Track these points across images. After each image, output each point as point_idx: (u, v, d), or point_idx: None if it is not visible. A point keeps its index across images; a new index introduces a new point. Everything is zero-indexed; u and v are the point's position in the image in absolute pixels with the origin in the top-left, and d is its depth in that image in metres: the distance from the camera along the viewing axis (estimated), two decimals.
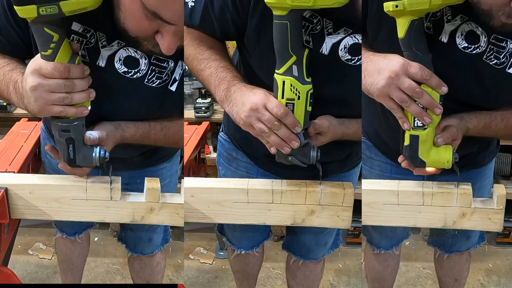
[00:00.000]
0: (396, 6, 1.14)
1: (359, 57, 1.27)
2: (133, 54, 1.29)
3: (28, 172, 1.73)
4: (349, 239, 2.94)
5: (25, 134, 1.94)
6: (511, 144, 2.58)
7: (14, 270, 1.45)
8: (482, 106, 1.32)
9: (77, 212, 1.31)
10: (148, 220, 1.32)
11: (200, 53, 1.33)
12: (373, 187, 1.34)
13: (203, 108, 3.05)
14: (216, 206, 1.34)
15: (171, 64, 1.32)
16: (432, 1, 1.12)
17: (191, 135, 2.32)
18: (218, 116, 3.04)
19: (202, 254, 2.93)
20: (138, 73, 1.30)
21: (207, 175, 2.67)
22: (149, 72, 1.31)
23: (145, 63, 1.30)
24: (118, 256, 2.82)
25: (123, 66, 1.29)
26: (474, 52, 1.25)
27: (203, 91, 3.19)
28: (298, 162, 1.27)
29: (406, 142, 1.26)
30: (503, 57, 1.24)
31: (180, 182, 1.40)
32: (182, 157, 2.05)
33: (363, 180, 1.38)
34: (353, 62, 1.28)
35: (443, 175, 1.32)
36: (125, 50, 1.28)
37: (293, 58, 1.19)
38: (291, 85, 1.20)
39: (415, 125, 1.23)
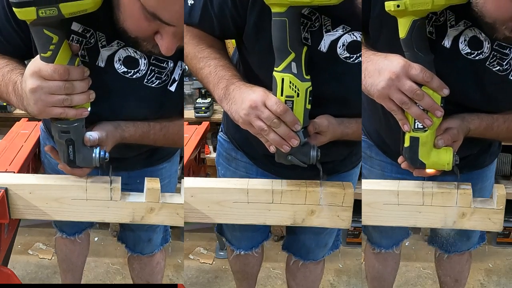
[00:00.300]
0: (398, 6, 1.12)
1: (358, 55, 1.27)
2: (132, 54, 1.29)
3: (28, 172, 1.73)
4: (349, 239, 2.94)
5: (25, 134, 1.93)
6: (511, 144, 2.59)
7: (14, 270, 1.45)
8: (482, 111, 1.31)
9: (77, 212, 1.31)
10: (148, 220, 1.32)
11: (199, 52, 1.33)
12: (373, 187, 1.33)
13: (203, 108, 3.05)
14: (216, 206, 1.34)
15: (171, 65, 1.32)
16: (435, 1, 1.11)
17: (191, 135, 2.32)
18: (218, 116, 3.04)
19: (202, 254, 2.93)
20: (138, 73, 1.30)
21: (207, 175, 2.67)
22: (149, 72, 1.31)
23: (144, 63, 1.30)
24: (118, 256, 2.82)
25: (122, 66, 1.29)
26: (477, 58, 1.24)
27: (203, 91, 3.19)
28: (298, 161, 1.27)
29: (406, 143, 1.25)
30: (506, 64, 1.23)
31: (180, 182, 1.40)
32: (182, 157, 2.05)
33: (363, 180, 1.38)
34: (351, 60, 1.27)
35: (443, 176, 1.31)
36: (124, 50, 1.28)
37: (292, 55, 1.19)
38: (290, 82, 1.20)
39: (416, 127, 1.22)
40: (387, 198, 1.32)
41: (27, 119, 2.16)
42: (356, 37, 1.26)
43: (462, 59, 1.25)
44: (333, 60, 1.28)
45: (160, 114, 1.39)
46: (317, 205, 1.32)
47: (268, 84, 1.24)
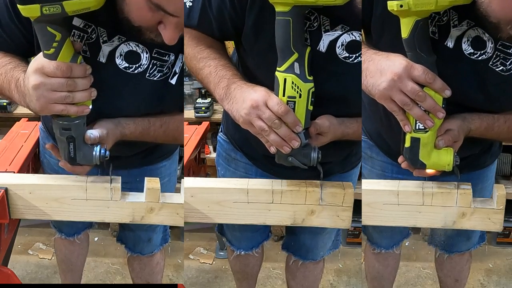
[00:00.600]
0: (401, 6, 1.11)
1: (357, 54, 1.27)
2: (134, 48, 1.29)
3: (28, 172, 1.73)
4: (349, 239, 2.94)
5: (25, 134, 1.93)
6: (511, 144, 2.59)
7: (14, 270, 1.45)
8: (484, 111, 1.31)
9: (77, 212, 1.31)
10: (148, 220, 1.32)
11: (199, 52, 1.33)
12: (373, 187, 1.33)
13: (203, 108, 3.05)
14: (216, 206, 1.34)
15: (172, 57, 1.33)
16: (438, 2, 1.10)
17: (191, 135, 2.32)
18: (218, 116, 3.04)
19: (202, 254, 2.93)
20: (139, 68, 1.31)
21: (207, 175, 2.67)
22: (151, 66, 1.31)
23: (146, 57, 1.30)
24: (118, 256, 2.82)
25: (124, 62, 1.30)
26: (480, 58, 1.24)
27: (203, 91, 3.19)
28: (298, 163, 1.26)
29: (407, 144, 1.25)
30: (509, 64, 1.23)
31: (180, 182, 1.40)
32: (182, 157, 2.05)
33: (363, 180, 1.38)
34: (350, 60, 1.27)
35: (444, 176, 1.31)
36: (126, 45, 1.29)
37: (295, 56, 1.18)
38: (293, 82, 1.19)
39: (417, 127, 1.22)
40: (387, 198, 1.32)
41: (27, 119, 2.16)
42: (355, 37, 1.26)
43: (465, 59, 1.24)
44: (332, 60, 1.27)
45: (161, 108, 1.39)
46: (317, 205, 1.32)
47: (267, 84, 1.23)
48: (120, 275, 2.74)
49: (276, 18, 1.17)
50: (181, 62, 1.34)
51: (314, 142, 1.28)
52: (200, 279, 2.75)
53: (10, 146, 1.82)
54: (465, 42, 1.23)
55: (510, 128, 1.32)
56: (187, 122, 2.60)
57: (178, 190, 1.37)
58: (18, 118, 2.24)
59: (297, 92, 1.20)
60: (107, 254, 2.88)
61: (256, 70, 1.35)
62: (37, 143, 1.84)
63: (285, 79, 1.20)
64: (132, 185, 1.39)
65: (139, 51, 1.30)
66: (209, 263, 2.86)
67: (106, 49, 1.28)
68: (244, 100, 1.20)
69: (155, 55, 1.31)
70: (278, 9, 1.16)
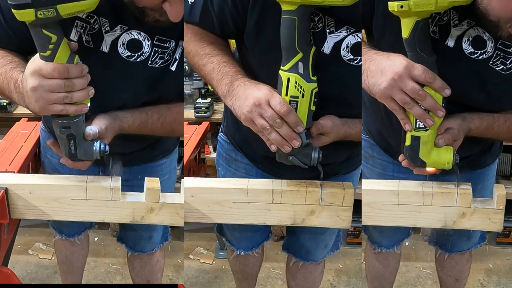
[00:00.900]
0: (402, 7, 1.12)
1: (361, 57, 1.27)
2: (136, 37, 1.31)
3: (28, 172, 1.73)
4: (349, 239, 2.94)
5: (25, 134, 1.93)
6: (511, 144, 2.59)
7: (14, 270, 1.45)
8: (485, 110, 1.31)
9: (77, 212, 1.31)
10: (148, 220, 1.32)
11: (202, 49, 1.34)
12: (373, 187, 1.33)
13: (203, 108, 3.05)
14: (216, 206, 1.34)
15: (173, 44, 1.34)
16: (438, 2, 1.11)
17: (191, 135, 2.32)
18: (218, 116, 3.04)
19: (202, 254, 2.93)
20: (142, 56, 1.33)
21: (207, 175, 2.67)
22: (152, 53, 1.33)
23: (148, 44, 1.32)
24: (118, 256, 2.82)
25: (126, 51, 1.32)
26: (480, 57, 1.24)
27: (203, 91, 3.19)
28: (298, 162, 1.26)
29: (407, 142, 1.26)
30: (509, 63, 1.24)
31: (180, 182, 1.40)
32: (182, 157, 2.05)
33: (363, 180, 1.38)
34: (355, 62, 1.27)
35: (444, 175, 1.31)
36: (128, 34, 1.31)
37: (300, 55, 1.18)
38: (296, 82, 1.19)
39: (417, 126, 1.23)
40: (387, 198, 1.32)
41: (27, 119, 2.16)
42: (360, 39, 1.25)
43: (465, 59, 1.25)
44: (336, 62, 1.27)
45: (161, 94, 1.40)
46: (317, 205, 1.32)
47: (268, 82, 1.23)
48: (120, 275, 2.74)
49: (282, 17, 1.17)
50: (181, 48, 1.36)
51: (316, 142, 1.28)
52: (200, 279, 2.75)
53: (10, 146, 1.82)
54: (465, 41, 1.24)
55: (510, 127, 1.32)
56: (187, 122, 2.60)
57: (178, 190, 1.37)
58: (18, 118, 2.24)
59: (300, 92, 1.19)
60: (107, 254, 2.88)
61: (257, 68, 1.35)
62: (37, 143, 1.84)
63: (288, 79, 1.19)
64: (133, 182, 1.40)
65: (140, 39, 1.31)
66: (209, 263, 2.86)
67: (108, 38, 1.30)
68: (247, 97, 1.21)
69: (157, 42, 1.33)
70: (284, 7, 1.16)
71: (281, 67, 1.20)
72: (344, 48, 1.26)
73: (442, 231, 1.82)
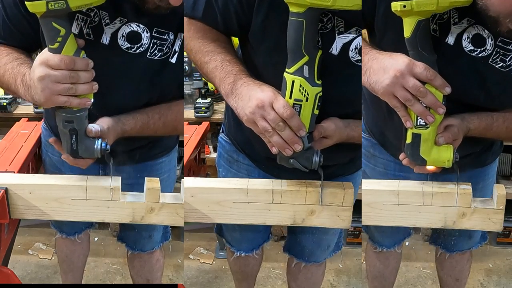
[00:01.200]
0: (404, 6, 1.14)
1: None
2: (135, 29, 1.33)
3: (28, 172, 1.73)
4: (349, 239, 2.94)
5: (25, 134, 1.93)
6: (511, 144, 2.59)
7: (14, 270, 1.45)
8: (485, 108, 1.32)
9: (77, 212, 1.31)
10: (148, 220, 1.32)
11: (205, 46, 1.33)
12: (373, 187, 1.34)
13: (203, 108, 3.05)
14: (216, 206, 1.34)
15: (171, 36, 1.35)
16: (439, 2, 1.13)
17: (191, 135, 2.32)
18: (218, 116, 3.04)
19: (202, 254, 2.93)
20: (141, 48, 1.34)
21: (207, 175, 2.67)
22: (151, 45, 1.34)
23: (147, 36, 1.34)
24: (118, 256, 2.82)
25: (126, 43, 1.33)
26: (480, 55, 1.25)
27: (203, 91, 3.19)
28: (299, 166, 1.26)
29: (408, 140, 1.27)
30: (509, 60, 1.24)
31: (180, 182, 1.40)
32: (182, 157, 2.05)
33: (363, 180, 1.38)
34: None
35: (445, 174, 1.32)
36: (127, 26, 1.32)
37: (306, 58, 1.17)
38: (301, 85, 1.18)
39: (418, 123, 1.24)
40: (387, 198, 1.32)
41: (27, 119, 2.16)
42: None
43: (465, 56, 1.25)
44: (344, 63, 1.27)
45: (162, 88, 1.41)
46: (317, 205, 1.32)
47: (272, 83, 1.23)
48: (120, 275, 2.73)
49: (289, 19, 1.16)
50: (180, 41, 1.36)
51: (318, 145, 1.28)
52: (200, 279, 2.75)
53: (10, 146, 1.82)
54: (465, 39, 1.25)
55: (508, 128, 1.33)
56: (187, 122, 2.60)
57: (178, 190, 1.37)
58: (18, 118, 2.24)
59: (304, 95, 1.19)
60: (107, 254, 2.88)
61: (262, 68, 1.34)
62: (37, 143, 1.84)
63: (293, 82, 1.19)
64: (133, 180, 1.40)
65: (140, 31, 1.33)
66: (209, 263, 2.86)
67: (108, 31, 1.32)
68: (250, 98, 1.20)
69: (155, 34, 1.34)
70: (292, 9, 1.15)
71: (286, 69, 1.20)
72: (352, 50, 1.26)
73: (443, 231, 1.82)
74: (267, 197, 1.32)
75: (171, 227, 1.96)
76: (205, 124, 2.55)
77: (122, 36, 1.33)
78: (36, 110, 3.00)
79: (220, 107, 3.13)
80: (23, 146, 1.82)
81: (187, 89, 3.23)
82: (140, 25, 1.33)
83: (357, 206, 1.33)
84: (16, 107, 3.14)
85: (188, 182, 1.35)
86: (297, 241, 1.81)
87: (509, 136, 1.36)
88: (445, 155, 1.26)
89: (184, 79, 3.10)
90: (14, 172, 1.55)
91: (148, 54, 1.35)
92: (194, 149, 2.23)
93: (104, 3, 1.25)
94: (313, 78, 1.19)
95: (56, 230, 1.99)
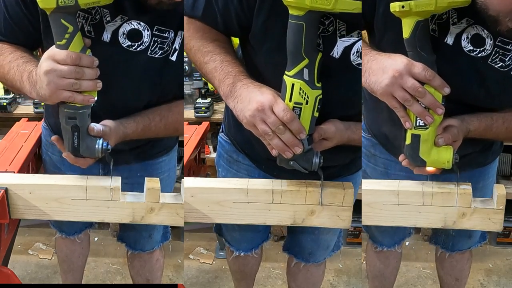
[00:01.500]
0: (403, 7, 1.14)
1: None
2: (136, 27, 1.34)
3: (28, 172, 1.73)
4: (349, 239, 2.94)
5: (25, 134, 1.93)
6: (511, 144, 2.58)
7: (14, 270, 1.45)
8: (485, 108, 1.32)
9: (77, 212, 1.31)
10: (148, 220, 1.32)
11: (204, 46, 1.33)
12: (373, 187, 1.34)
13: (203, 108, 3.05)
14: (216, 206, 1.34)
15: (171, 34, 1.36)
16: (437, 3, 1.13)
17: (191, 135, 2.32)
18: (218, 116, 3.04)
19: (202, 254, 2.93)
20: (141, 46, 1.35)
21: (207, 175, 2.67)
22: (152, 43, 1.35)
23: (147, 34, 1.35)
24: (118, 256, 2.82)
25: (127, 40, 1.35)
26: (479, 55, 1.25)
27: (203, 91, 3.19)
28: (299, 167, 1.26)
29: (408, 141, 1.27)
30: (508, 60, 1.24)
31: (180, 182, 1.40)
32: (182, 157, 2.05)
33: (363, 180, 1.38)
34: None
35: (445, 174, 1.31)
36: (128, 24, 1.34)
37: (305, 61, 1.17)
38: (301, 88, 1.18)
39: (417, 124, 1.24)
40: (387, 198, 1.32)
41: (27, 119, 2.16)
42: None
43: (464, 56, 1.25)
44: (345, 67, 1.27)
45: (163, 87, 1.42)
46: (317, 205, 1.32)
47: (272, 84, 1.23)
48: (120, 275, 2.73)
49: (289, 21, 1.16)
50: (180, 39, 1.37)
51: (318, 146, 1.28)
52: (200, 279, 2.75)
53: (10, 146, 1.82)
54: (464, 39, 1.25)
55: (508, 128, 1.33)
56: (187, 122, 2.60)
57: (178, 190, 1.37)
58: (18, 118, 2.24)
59: (304, 98, 1.19)
60: (107, 254, 2.88)
61: (263, 69, 1.33)
62: (37, 143, 1.84)
63: (293, 85, 1.18)
64: (134, 180, 1.40)
65: (140, 29, 1.34)
66: (209, 263, 2.86)
67: (109, 29, 1.33)
68: (250, 101, 1.20)
69: (156, 32, 1.35)
70: (292, 12, 1.15)
71: (286, 72, 1.19)
72: (354, 53, 1.26)
73: (443, 230, 1.82)
74: (267, 197, 1.32)
75: (171, 227, 1.96)
76: (205, 124, 2.55)
77: (123, 34, 1.34)
78: (36, 110, 3.00)
79: (220, 107, 3.13)
80: (23, 146, 1.82)
81: (187, 89, 3.23)
82: (141, 23, 1.33)
83: (357, 206, 1.33)
84: (16, 107, 3.14)
85: (188, 182, 1.35)
86: (297, 241, 1.81)
87: (509, 136, 1.36)
88: (444, 156, 1.26)
89: (184, 79, 3.10)
90: (14, 172, 1.55)
91: (149, 52, 1.36)
92: (194, 149, 2.23)
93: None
94: (313, 81, 1.18)
95: (56, 230, 1.99)
